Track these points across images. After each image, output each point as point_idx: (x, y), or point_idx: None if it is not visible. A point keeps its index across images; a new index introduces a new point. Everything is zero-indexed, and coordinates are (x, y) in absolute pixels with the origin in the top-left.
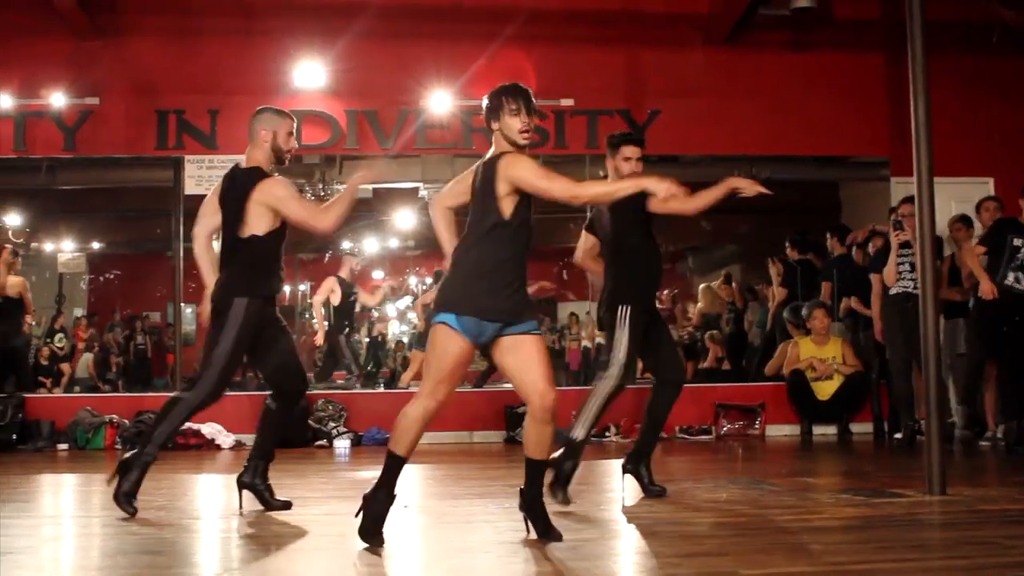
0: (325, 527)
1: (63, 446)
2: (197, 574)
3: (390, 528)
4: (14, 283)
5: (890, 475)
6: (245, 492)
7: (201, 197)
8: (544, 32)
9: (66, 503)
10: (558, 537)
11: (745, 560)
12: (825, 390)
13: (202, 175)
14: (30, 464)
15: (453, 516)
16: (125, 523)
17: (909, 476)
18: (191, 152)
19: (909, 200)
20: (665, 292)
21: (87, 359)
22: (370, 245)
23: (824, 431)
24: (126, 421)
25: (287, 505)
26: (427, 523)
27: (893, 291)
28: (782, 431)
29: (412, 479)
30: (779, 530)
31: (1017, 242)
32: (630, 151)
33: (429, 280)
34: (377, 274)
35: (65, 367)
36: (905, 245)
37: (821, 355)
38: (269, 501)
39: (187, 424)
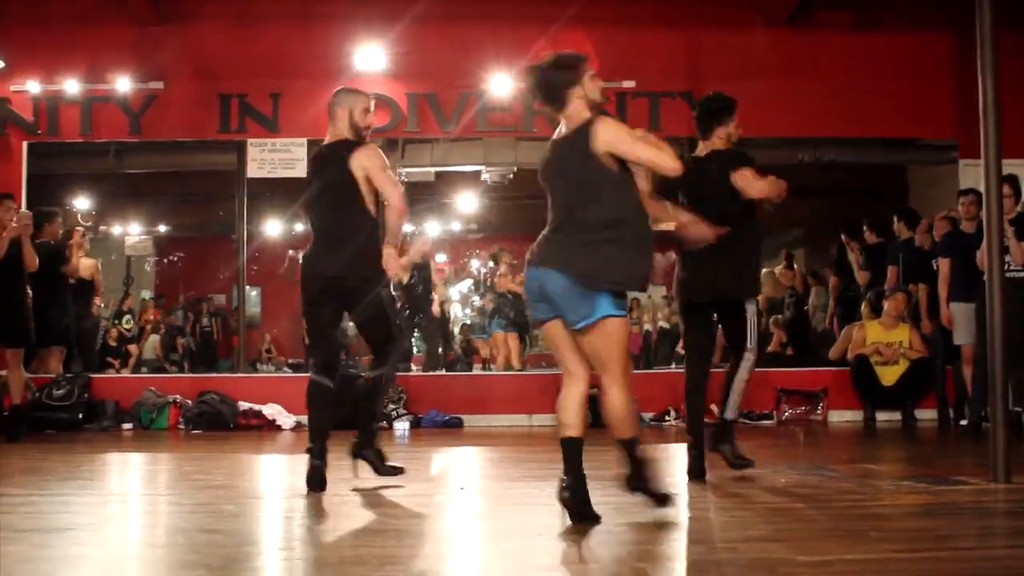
0: (383, 508)
1: (128, 426)
2: (254, 552)
3: (446, 510)
4: (87, 265)
5: (954, 462)
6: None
7: (263, 181)
8: (604, 14)
9: (128, 481)
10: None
11: (800, 547)
12: (890, 375)
13: (264, 158)
14: (95, 443)
15: (509, 499)
16: (186, 503)
17: (974, 464)
18: (253, 135)
19: (967, 192)
20: None
21: (154, 341)
22: (432, 228)
23: (888, 417)
24: (189, 401)
25: (398, 470)
26: (483, 505)
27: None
28: (845, 417)
29: (470, 462)
30: (837, 516)
31: None
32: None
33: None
34: (440, 257)
35: (132, 348)
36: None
37: (888, 339)
38: (380, 467)
39: (248, 405)
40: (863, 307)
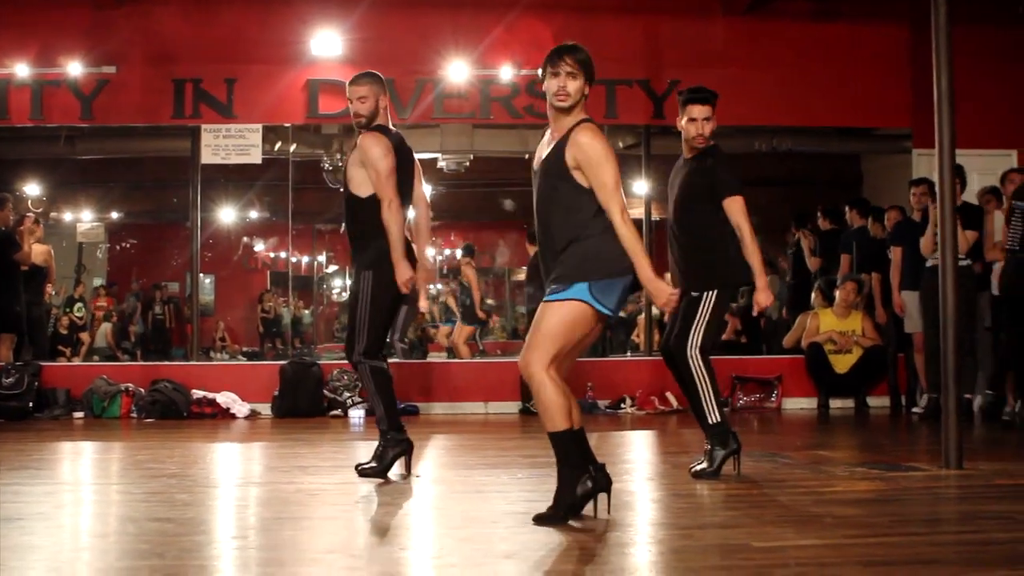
0: (337, 496)
1: (79, 414)
2: (205, 542)
3: (403, 498)
4: (39, 251)
5: (907, 449)
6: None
7: (218, 167)
8: (562, 1)
9: (79, 470)
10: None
11: (756, 533)
12: (843, 363)
13: (219, 144)
14: (46, 432)
15: (465, 486)
16: (137, 492)
17: (926, 450)
18: (208, 121)
19: (921, 182)
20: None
21: (105, 328)
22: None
23: (841, 404)
24: (141, 390)
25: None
26: (439, 493)
27: (930, 262)
28: (799, 404)
29: (426, 450)
30: (791, 502)
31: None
32: (696, 111)
33: (460, 252)
34: None
35: (84, 336)
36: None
37: (841, 328)
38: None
39: (202, 393)
40: (814, 295)
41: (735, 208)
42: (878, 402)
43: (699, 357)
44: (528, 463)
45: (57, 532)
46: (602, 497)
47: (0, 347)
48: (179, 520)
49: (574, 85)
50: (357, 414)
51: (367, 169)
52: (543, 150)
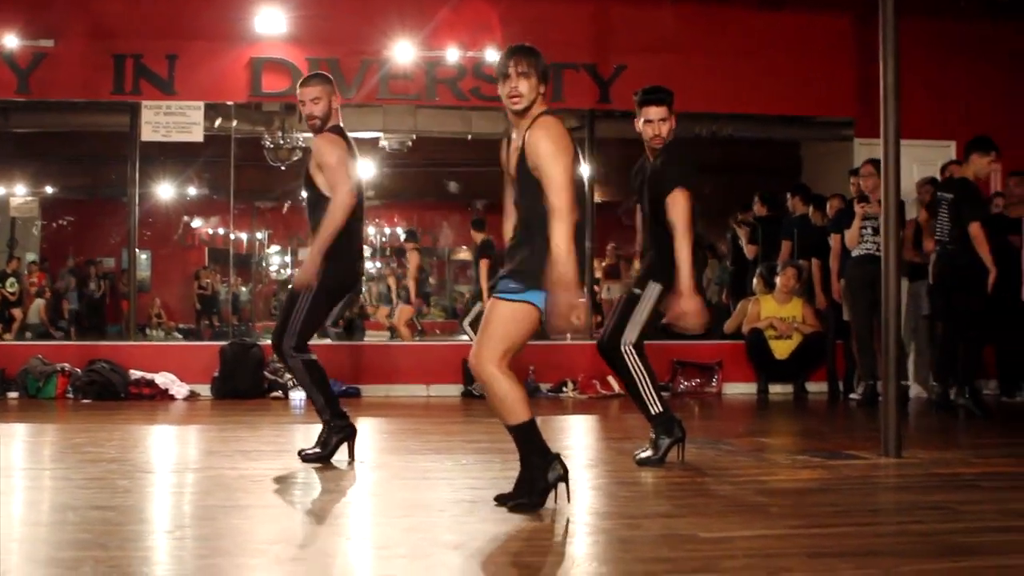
0: (280, 483)
1: (13, 395)
2: (149, 531)
3: (346, 485)
4: None
5: (846, 437)
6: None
7: (156, 144)
8: None
9: (13, 455)
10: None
11: (703, 523)
12: (783, 349)
13: (159, 121)
14: None
15: (409, 473)
16: (76, 477)
17: (865, 438)
18: (148, 98)
19: (871, 162)
20: (610, 246)
21: (38, 305)
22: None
23: (780, 390)
24: (78, 370)
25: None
26: (383, 479)
27: (856, 253)
28: (739, 389)
29: (369, 434)
30: (736, 491)
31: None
32: (652, 112)
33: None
34: None
35: (16, 312)
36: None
37: (782, 314)
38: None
39: (140, 374)
40: (755, 282)
41: (674, 203)
42: (817, 388)
43: (633, 352)
44: (472, 448)
45: None
46: (561, 485)
47: None
48: (121, 508)
49: (526, 85)
50: (298, 396)
51: (323, 170)
52: (511, 156)
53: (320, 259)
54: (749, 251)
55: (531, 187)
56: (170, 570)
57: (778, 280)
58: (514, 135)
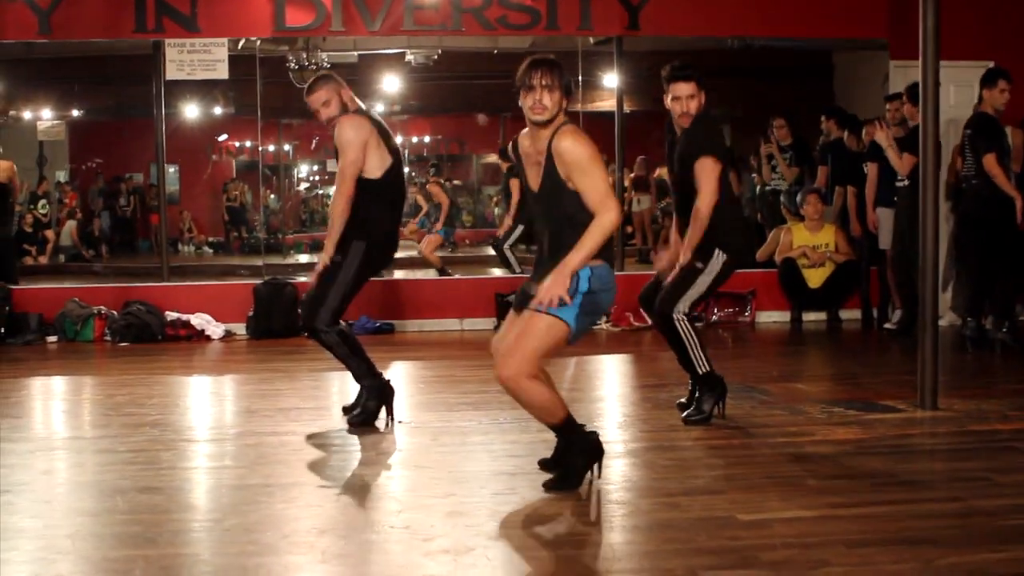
0: (320, 452)
1: (52, 339)
2: (194, 522)
3: (384, 454)
4: (2, 167)
5: (881, 380)
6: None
7: (182, 83)
8: None
9: (56, 421)
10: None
11: (740, 501)
12: (816, 278)
13: (183, 60)
14: (20, 363)
15: (448, 436)
16: (120, 450)
17: (900, 382)
18: (171, 35)
19: (895, 97)
20: (640, 158)
21: (70, 227)
22: None
23: (814, 318)
24: (114, 312)
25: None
26: (421, 447)
27: (904, 182)
28: (772, 318)
29: (404, 382)
30: (772, 458)
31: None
32: (680, 88)
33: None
34: None
35: (49, 234)
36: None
37: (814, 242)
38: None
39: (176, 315)
40: (784, 212)
41: (703, 169)
42: (850, 315)
43: (685, 320)
44: (509, 401)
45: (45, 511)
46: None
47: None
48: (166, 490)
49: (550, 99)
50: None
51: (340, 149)
52: (532, 169)
53: (333, 247)
54: (788, 174)
55: (562, 197)
56: (218, 572)
57: (804, 210)
58: (527, 144)
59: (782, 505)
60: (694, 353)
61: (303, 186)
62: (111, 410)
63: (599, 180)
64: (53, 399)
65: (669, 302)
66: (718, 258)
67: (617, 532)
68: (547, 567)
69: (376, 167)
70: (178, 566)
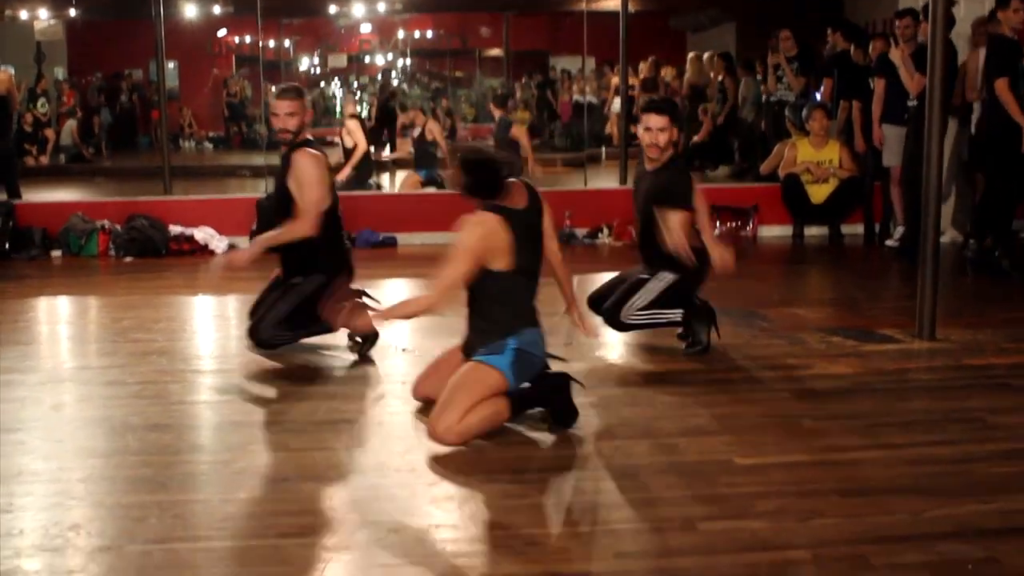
0: (330, 385)
1: (57, 253)
2: (205, 464)
3: (394, 380)
4: (1, 79)
5: (880, 306)
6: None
7: None
8: None
9: (63, 348)
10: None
11: (739, 443)
12: (819, 193)
13: None
14: (25, 279)
15: None
16: (129, 382)
17: (899, 309)
18: None
19: (905, 13)
20: (651, 58)
21: (70, 126)
22: (357, 9)
23: (816, 232)
24: (118, 227)
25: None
26: None
27: (915, 103)
28: (774, 232)
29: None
30: (771, 395)
31: None
32: (652, 120)
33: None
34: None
35: (49, 133)
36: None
37: (818, 158)
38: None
39: (179, 229)
40: (788, 125)
41: (672, 217)
42: (852, 230)
43: (635, 313)
44: None
45: (57, 452)
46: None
47: None
48: (176, 428)
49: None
50: None
51: (301, 187)
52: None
53: (262, 251)
54: (795, 84)
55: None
56: (229, 520)
57: (809, 125)
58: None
59: (779, 448)
60: (664, 320)
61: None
62: (118, 336)
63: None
64: (59, 323)
65: (615, 309)
66: (664, 275)
67: (614, 479)
68: (538, 514)
69: (327, 199)
70: (190, 513)
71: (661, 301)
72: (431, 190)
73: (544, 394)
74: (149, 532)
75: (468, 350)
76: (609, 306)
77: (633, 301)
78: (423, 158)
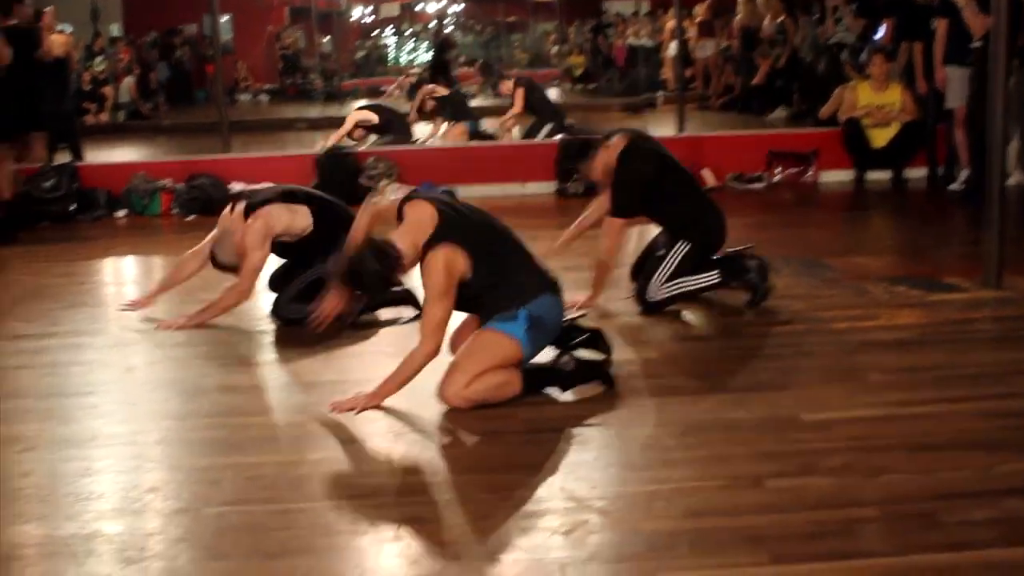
0: (395, 345)
1: (120, 213)
2: (274, 427)
3: None
4: (59, 43)
5: (945, 252)
6: None
7: None
8: None
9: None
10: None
11: (804, 397)
12: (881, 137)
13: None
14: (92, 240)
15: None
16: (197, 344)
17: (964, 255)
18: None
19: None
20: (706, 1)
21: (128, 83)
22: None
23: (878, 177)
24: (180, 186)
25: None
26: None
27: (980, 44)
28: (835, 177)
29: None
30: (836, 347)
31: None
32: None
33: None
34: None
35: (107, 91)
36: None
37: (880, 101)
38: None
39: (240, 187)
40: (846, 69)
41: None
42: (915, 174)
43: (662, 288)
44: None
45: (132, 415)
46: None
47: (34, 147)
48: (247, 389)
49: None
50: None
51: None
52: None
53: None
54: (854, 26)
55: None
56: (303, 481)
57: (870, 69)
58: None
59: (844, 403)
60: (697, 284)
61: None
62: (186, 295)
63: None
64: (125, 284)
65: (643, 291)
66: (683, 244)
67: (679, 435)
68: (603, 472)
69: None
70: (264, 475)
71: (684, 270)
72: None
73: (565, 376)
74: (225, 494)
75: (483, 320)
76: (637, 291)
77: (655, 279)
78: (459, 109)
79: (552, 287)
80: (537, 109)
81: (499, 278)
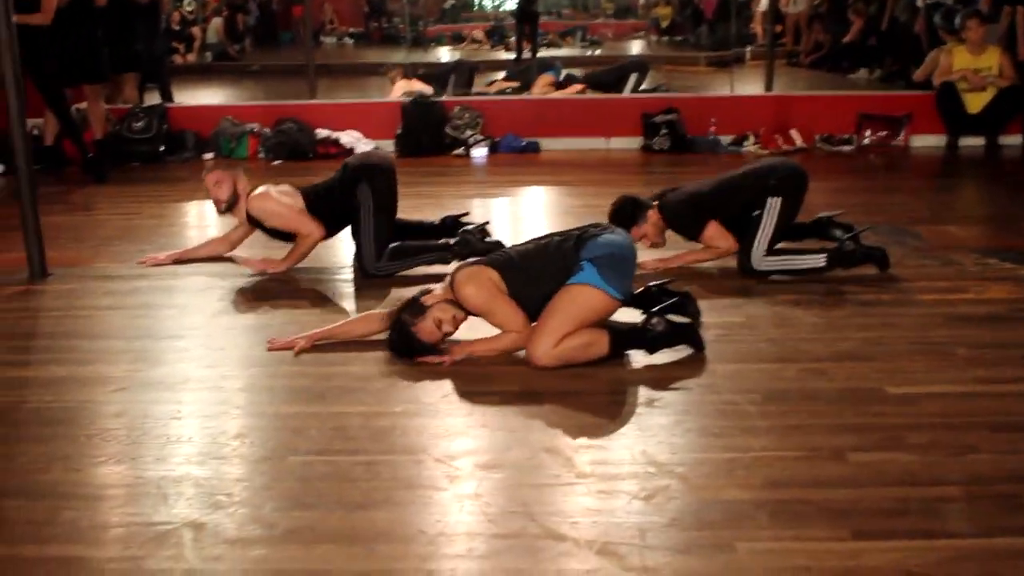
0: None
1: (208, 155)
2: (356, 374)
3: None
4: None
5: None
6: None
7: None
8: None
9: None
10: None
11: (888, 371)
12: (977, 102)
13: None
14: (181, 181)
15: None
16: (279, 292)
17: None
18: None
19: None
20: None
21: (216, 24)
22: None
23: (971, 143)
24: (267, 130)
25: None
26: None
27: None
28: (927, 142)
29: (546, 212)
30: (923, 320)
31: None
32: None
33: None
34: None
35: (195, 31)
36: None
37: (976, 66)
38: None
39: (326, 133)
40: (939, 31)
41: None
42: (1011, 141)
43: (768, 262)
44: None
45: (219, 359)
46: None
47: (124, 88)
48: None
49: None
50: (480, 153)
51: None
52: None
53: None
54: None
55: None
56: (384, 433)
57: (965, 34)
58: None
59: (930, 377)
60: (805, 267)
61: None
62: (270, 241)
63: None
64: (210, 228)
65: (743, 260)
66: (772, 201)
67: (760, 403)
68: (681, 439)
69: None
70: (348, 426)
71: (779, 234)
72: (572, 95)
73: (654, 338)
74: (310, 443)
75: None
76: (740, 256)
77: (756, 246)
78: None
79: (589, 233)
80: None
81: (542, 275)
